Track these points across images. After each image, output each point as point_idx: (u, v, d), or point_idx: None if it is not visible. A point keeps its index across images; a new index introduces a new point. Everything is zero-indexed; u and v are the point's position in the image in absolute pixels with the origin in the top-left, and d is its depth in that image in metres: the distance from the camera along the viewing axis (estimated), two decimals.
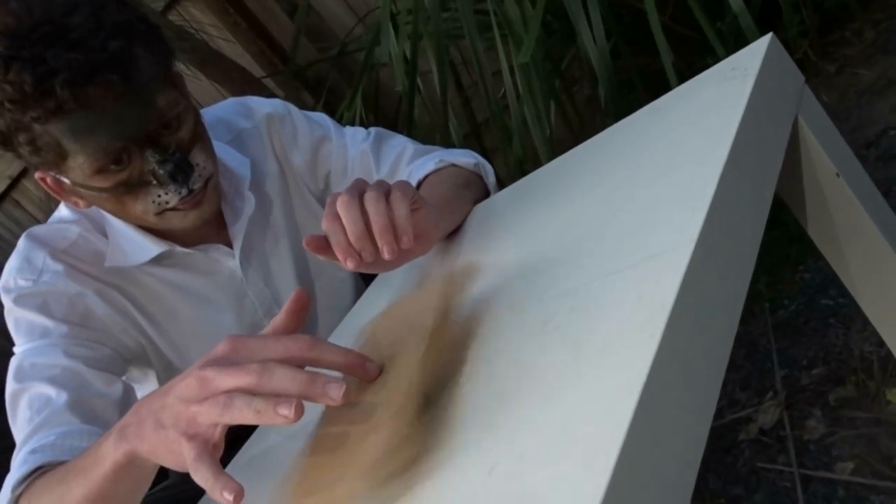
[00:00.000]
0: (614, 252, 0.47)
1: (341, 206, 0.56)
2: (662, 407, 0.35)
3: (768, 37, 0.59)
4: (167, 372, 0.86)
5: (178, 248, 0.81)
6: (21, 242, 0.80)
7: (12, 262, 0.79)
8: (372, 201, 0.56)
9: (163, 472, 0.92)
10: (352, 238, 0.56)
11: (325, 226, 0.57)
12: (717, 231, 0.43)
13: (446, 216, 0.71)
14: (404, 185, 0.59)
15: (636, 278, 0.42)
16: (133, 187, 0.71)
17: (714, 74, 0.62)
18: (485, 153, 1.92)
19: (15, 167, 2.82)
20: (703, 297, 0.40)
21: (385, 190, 0.58)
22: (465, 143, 1.85)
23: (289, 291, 0.91)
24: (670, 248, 0.42)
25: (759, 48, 0.58)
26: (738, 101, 0.52)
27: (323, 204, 0.96)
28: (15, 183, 2.90)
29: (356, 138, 0.93)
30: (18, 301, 0.76)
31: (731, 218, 0.46)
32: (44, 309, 0.76)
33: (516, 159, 1.52)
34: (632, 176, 0.56)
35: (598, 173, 0.62)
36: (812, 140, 0.59)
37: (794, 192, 0.63)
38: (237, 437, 0.89)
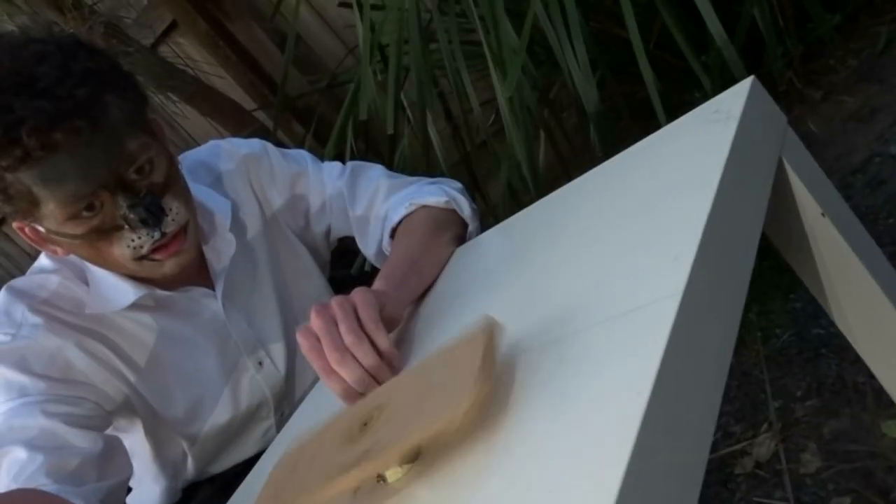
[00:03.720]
0: (601, 301, 0.47)
1: (336, 364, 0.58)
2: (653, 463, 0.34)
3: (750, 79, 0.59)
4: (152, 421, 0.85)
5: (159, 291, 0.81)
6: (0, 296, 0.80)
7: None
8: (356, 347, 0.58)
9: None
10: (356, 386, 0.58)
11: (328, 383, 0.59)
12: (703, 279, 0.43)
13: (412, 287, 0.72)
14: (365, 303, 0.61)
15: (624, 329, 0.42)
16: (106, 233, 0.72)
17: (697, 116, 0.62)
18: (475, 180, 1.93)
19: None
20: (691, 348, 0.40)
21: (355, 316, 0.60)
22: (455, 171, 1.86)
23: (272, 332, 0.90)
24: (657, 299, 0.42)
25: (741, 90, 0.59)
26: (721, 145, 0.52)
27: (305, 242, 0.96)
28: (6, 218, 2.89)
29: (332, 174, 0.94)
30: None
31: (717, 264, 0.46)
32: (22, 365, 0.75)
33: (505, 188, 1.53)
34: (618, 220, 0.56)
35: (584, 218, 0.62)
36: (796, 180, 0.59)
37: (780, 232, 0.63)
38: (227, 483, 0.88)
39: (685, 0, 1.27)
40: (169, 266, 0.76)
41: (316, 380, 0.87)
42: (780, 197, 0.61)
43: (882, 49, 1.59)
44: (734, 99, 0.58)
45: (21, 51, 0.67)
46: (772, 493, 0.98)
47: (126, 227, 0.72)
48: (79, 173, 0.67)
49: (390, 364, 0.59)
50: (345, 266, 1.34)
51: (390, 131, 1.44)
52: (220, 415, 0.87)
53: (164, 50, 2.41)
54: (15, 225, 0.75)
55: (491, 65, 1.38)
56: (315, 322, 0.59)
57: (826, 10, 1.51)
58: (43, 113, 0.64)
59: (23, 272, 0.84)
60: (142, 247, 0.73)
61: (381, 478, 0.47)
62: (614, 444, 0.34)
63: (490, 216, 1.80)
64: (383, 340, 0.59)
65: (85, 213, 0.70)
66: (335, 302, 0.61)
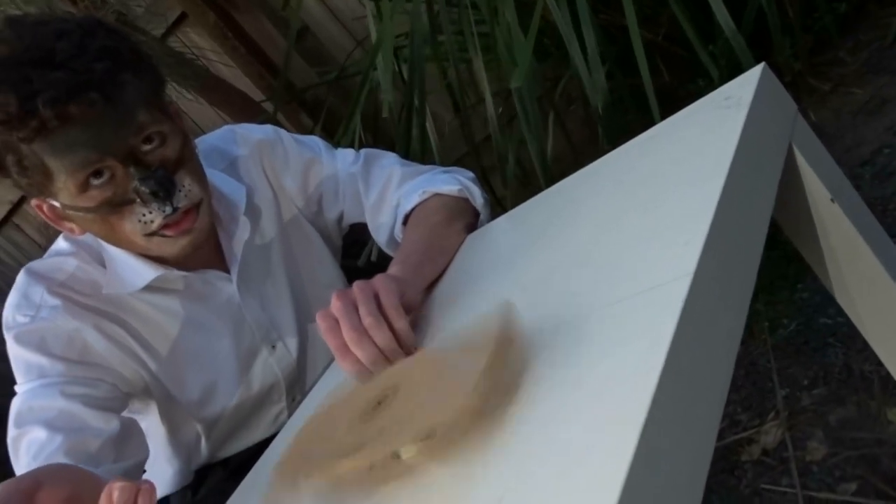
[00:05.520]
0: (612, 283, 0.48)
1: (352, 343, 0.59)
2: (664, 441, 0.35)
3: (760, 66, 0.60)
4: (167, 403, 0.86)
5: (175, 272, 0.82)
6: (20, 278, 0.81)
7: (11, 299, 0.80)
8: (374, 329, 0.59)
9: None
10: (371, 367, 0.59)
11: (343, 363, 0.60)
12: (713, 263, 0.43)
13: (426, 273, 0.73)
14: (386, 289, 0.62)
15: (634, 311, 0.43)
16: (117, 206, 0.72)
17: (708, 103, 0.62)
18: (484, 171, 1.94)
19: (16, 192, 2.83)
20: (701, 330, 0.41)
21: (376, 302, 0.61)
22: (462, 163, 1.86)
23: (285, 316, 0.91)
24: (667, 281, 0.42)
25: (751, 77, 0.59)
26: (732, 131, 0.53)
27: (317, 228, 0.96)
28: (16, 207, 2.91)
29: (346, 160, 0.94)
30: (18, 339, 0.77)
31: (727, 248, 0.46)
32: (42, 347, 0.76)
33: (511, 179, 1.54)
34: (628, 206, 0.57)
35: (595, 203, 0.63)
36: (806, 167, 0.60)
37: (790, 218, 0.64)
38: (239, 466, 0.89)
39: None
40: (180, 244, 0.76)
41: (327, 366, 0.89)
42: (790, 183, 0.61)
43: (892, 40, 1.59)
44: (745, 86, 0.59)
45: (41, 28, 0.69)
46: (778, 480, 0.99)
47: (138, 200, 0.72)
48: (88, 141, 0.68)
49: (406, 348, 0.60)
50: (352, 257, 1.35)
51: (385, 114, 1.45)
52: (233, 397, 0.88)
53: (172, 41, 2.42)
54: (33, 202, 0.76)
55: (502, 56, 1.39)
56: (335, 305, 0.60)
57: (833, 0, 1.50)
58: (60, 85, 0.65)
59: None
60: (152, 222, 0.73)
61: (395, 454, 0.47)
62: (625, 424, 0.34)
63: (498, 207, 1.81)
64: (403, 325, 0.60)
65: (95, 182, 0.71)
66: (357, 286, 0.62)
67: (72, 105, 0.66)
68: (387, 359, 0.58)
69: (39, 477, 0.53)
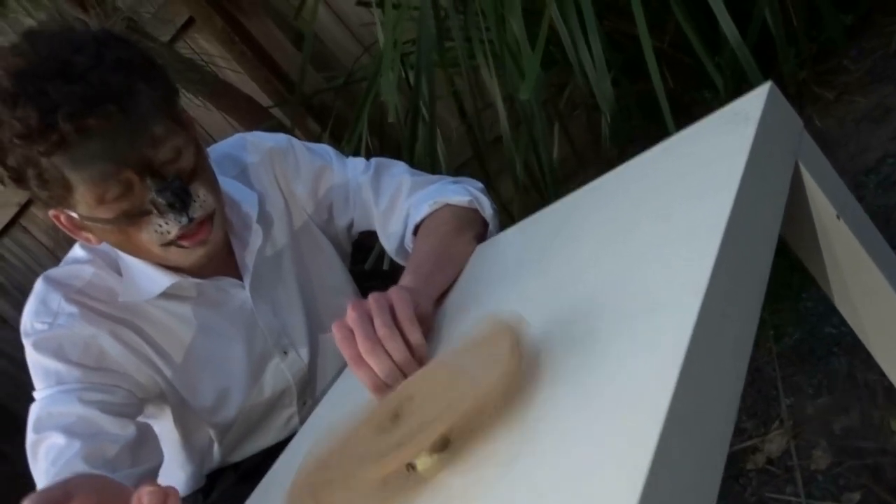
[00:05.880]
0: (623, 297, 0.49)
1: (366, 353, 0.60)
2: (677, 455, 0.35)
3: (767, 84, 0.61)
4: (181, 409, 0.87)
5: (190, 279, 0.83)
6: (37, 285, 0.82)
7: (30, 306, 0.81)
8: (389, 340, 0.60)
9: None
10: (385, 378, 0.60)
11: (357, 373, 0.61)
12: (724, 278, 0.44)
13: (438, 283, 0.74)
14: (401, 300, 0.63)
15: (646, 326, 0.44)
16: (135, 217, 0.74)
17: (716, 119, 0.63)
18: (489, 177, 1.95)
19: (23, 194, 2.84)
20: (712, 344, 0.42)
21: (391, 314, 0.62)
22: (467, 168, 1.88)
23: (297, 321, 0.93)
24: (679, 296, 0.43)
25: (759, 95, 0.60)
26: (740, 148, 0.54)
27: (328, 235, 0.98)
28: (23, 209, 2.93)
29: (357, 169, 0.96)
30: (36, 346, 0.78)
31: (737, 263, 0.47)
32: (59, 354, 0.78)
33: (517, 184, 1.55)
34: (640, 220, 0.57)
35: (605, 216, 0.64)
36: (812, 183, 0.61)
37: (795, 233, 0.65)
38: (250, 470, 0.90)
39: (699, 0, 1.28)
40: (196, 255, 0.78)
41: (338, 373, 0.90)
42: (796, 199, 0.62)
43: None
44: (752, 103, 0.60)
45: (57, 40, 0.70)
46: (783, 488, 1.00)
47: (154, 211, 0.74)
48: (107, 155, 0.70)
49: (420, 360, 0.61)
50: (359, 261, 1.36)
51: (392, 119, 1.46)
52: (245, 402, 0.89)
53: (180, 46, 2.44)
54: (51, 213, 0.77)
55: (509, 64, 1.40)
56: (350, 315, 0.62)
57: (839, 11, 1.51)
58: (77, 98, 0.67)
59: (41, 265, 0.87)
60: (169, 232, 0.75)
61: (410, 466, 0.48)
62: (639, 439, 0.35)
63: (503, 213, 1.82)
64: (417, 337, 0.61)
65: (114, 195, 0.72)
66: (372, 298, 0.63)
67: (91, 118, 0.67)
68: (400, 370, 0.59)
69: (69, 488, 0.54)
